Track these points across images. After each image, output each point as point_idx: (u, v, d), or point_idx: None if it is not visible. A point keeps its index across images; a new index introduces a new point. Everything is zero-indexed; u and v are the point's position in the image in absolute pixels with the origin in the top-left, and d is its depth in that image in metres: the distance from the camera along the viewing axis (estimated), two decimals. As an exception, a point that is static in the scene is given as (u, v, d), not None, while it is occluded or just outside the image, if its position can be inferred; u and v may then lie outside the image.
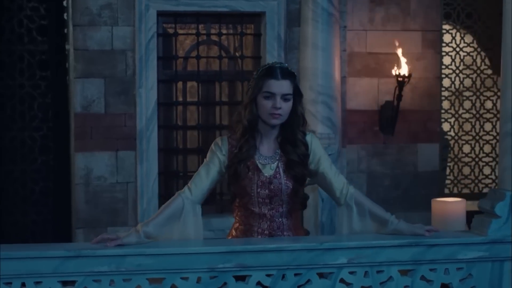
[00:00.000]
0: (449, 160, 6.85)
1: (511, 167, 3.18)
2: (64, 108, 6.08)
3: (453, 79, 6.79)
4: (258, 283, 2.94)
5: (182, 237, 3.03)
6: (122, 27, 5.97)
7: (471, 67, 6.84)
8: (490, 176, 6.91)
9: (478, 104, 6.89)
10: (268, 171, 3.12)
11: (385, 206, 3.20)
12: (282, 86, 3.06)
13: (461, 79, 6.82)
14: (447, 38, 6.73)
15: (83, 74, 5.94)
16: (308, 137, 3.16)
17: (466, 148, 6.91)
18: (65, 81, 6.09)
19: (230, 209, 3.39)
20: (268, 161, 3.14)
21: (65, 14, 6.07)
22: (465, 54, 6.81)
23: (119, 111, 5.99)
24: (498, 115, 6.80)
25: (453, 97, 6.85)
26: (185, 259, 2.90)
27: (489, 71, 6.85)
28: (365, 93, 6.36)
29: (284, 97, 3.06)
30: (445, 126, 6.82)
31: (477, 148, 6.90)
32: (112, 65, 5.97)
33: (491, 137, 6.88)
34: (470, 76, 6.84)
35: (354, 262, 2.98)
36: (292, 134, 3.12)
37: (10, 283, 2.82)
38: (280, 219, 3.17)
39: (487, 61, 6.84)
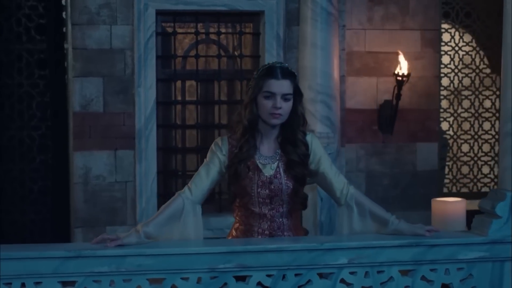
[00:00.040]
0: (448, 159, 6.86)
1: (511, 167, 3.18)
2: (63, 107, 6.07)
3: (452, 78, 6.79)
4: (259, 283, 2.93)
5: (182, 237, 3.03)
6: (121, 26, 5.96)
7: (470, 66, 6.84)
8: (488, 175, 6.91)
9: (477, 103, 6.89)
10: (268, 171, 3.12)
11: (384, 205, 3.20)
12: (282, 86, 3.05)
13: (460, 78, 6.82)
14: (446, 37, 6.73)
15: (82, 73, 5.94)
16: (309, 137, 3.16)
17: (465, 147, 6.91)
18: (63, 80, 6.07)
19: (229, 208, 3.39)
20: (268, 161, 3.13)
21: (63, 13, 6.05)
22: (464, 53, 6.81)
23: (117, 110, 5.99)
24: (496, 114, 6.80)
25: (452, 96, 6.85)
26: (186, 259, 2.89)
27: (488, 70, 6.86)
28: (364, 92, 6.36)
29: (285, 97, 3.06)
30: (444, 125, 6.82)
31: (475, 147, 6.90)
32: (111, 64, 5.96)
33: (490, 136, 6.89)
34: (469, 75, 6.85)
35: (354, 262, 2.98)
36: (292, 134, 3.12)
37: (10, 283, 2.81)
38: (281, 219, 3.17)
39: (486, 60, 6.85)
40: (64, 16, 6.05)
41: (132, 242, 2.91)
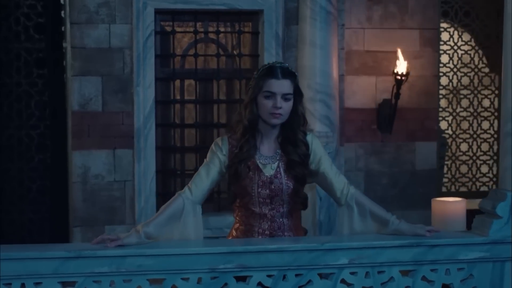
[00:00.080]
0: (446, 158, 6.85)
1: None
2: (62, 106, 6.05)
3: (450, 77, 6.79)
4: (259, 283, 2.93)
5: (182, 238, 3.03)
6: (119, 25, 5.95)
7: (468, 65, 6.84)
8: (487, 175, 6.91)
9: (475, 103, 6.88)
10: (268, 171, 3.12)
11: (383, 205, 3.20)
12: (282, 86, 3.05)
13: (459, 77, 6.82)
14: (445, 36, 6.72)
15: (81, 72, 5.93)
16: (309, 137, 3.16)
17: (464, 147, 6.91)
18: (62, 79, 6.06)
19: (228, 208, 3.39)
20: (268, 161, 3.13)
21: (62, 12, 6.04)
22: (462, 52, 6.80)
23: (116, 109, 5.98)
24: (495, 114, 6.80)
25: (451, 95, 6.84)
26: (186, 259, 2.88)
27: (487, 69, 6.85)
28: (363, 91, 6.36)
29: (285, 97, 3.05)
30: (443, 125, 6.82)
31: (474, 147, 6.90)
32: (110, 63, 5.95)
33: (489, 136, 6.88)
34: (468, 74, 6.84)
35: (355, 262, 2.98)
36: (292, 134, 3.12)
37: (10, 284, 2.80)
38: (281, 219, 3.16)
39: (484, 59, 6.84)
40: (62, 15, 6.04)
41: (132, 242, 2.91)
